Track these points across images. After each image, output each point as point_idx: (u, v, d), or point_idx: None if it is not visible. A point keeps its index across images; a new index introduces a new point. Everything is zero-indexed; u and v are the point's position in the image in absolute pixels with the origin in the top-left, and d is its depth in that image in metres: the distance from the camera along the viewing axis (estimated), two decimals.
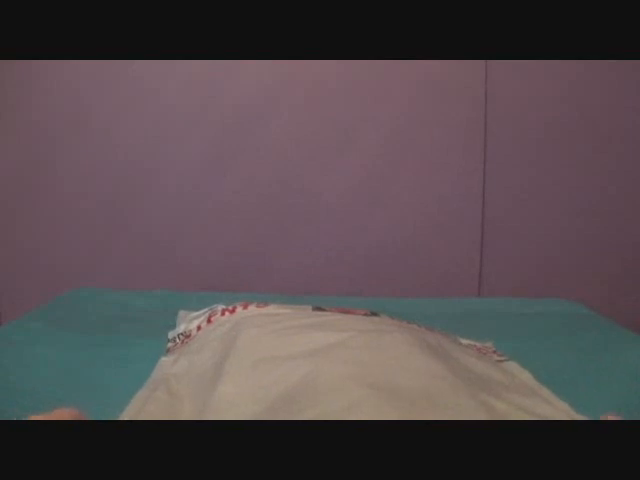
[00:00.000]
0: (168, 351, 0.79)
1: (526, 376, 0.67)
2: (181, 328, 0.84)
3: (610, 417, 0.33)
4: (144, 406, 0.56)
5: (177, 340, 0.81)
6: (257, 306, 0.77)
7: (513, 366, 0.71)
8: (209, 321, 0.78)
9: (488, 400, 0.49)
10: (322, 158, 1.44)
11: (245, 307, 0.77)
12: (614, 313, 1.22)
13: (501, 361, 0.73)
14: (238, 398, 0.49)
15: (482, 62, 1.39)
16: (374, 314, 0.77)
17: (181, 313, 0.92)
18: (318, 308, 0.78)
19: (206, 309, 0.84)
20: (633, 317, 1.38)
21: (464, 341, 0.79)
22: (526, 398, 0.55)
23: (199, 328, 0.79)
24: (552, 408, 0.55)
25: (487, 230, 1.46)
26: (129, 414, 0.55)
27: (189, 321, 0.84)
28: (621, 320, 1.08)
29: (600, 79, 1.41)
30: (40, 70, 1.43)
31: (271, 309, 0.76)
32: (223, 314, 0.78)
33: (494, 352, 0.77)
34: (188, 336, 0.79)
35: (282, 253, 1.47)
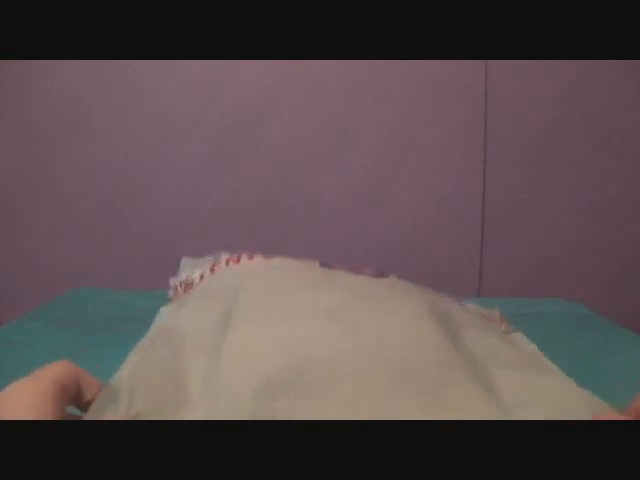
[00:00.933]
0: (169, 300, 0.77)
1: (532, 348, 0.67)
2: (183, 276, 0.82)
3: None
4: (144, 359, 0.53)
5: (179, 289, 0.79)
6: (263, 257, 0.75)
7: (520, 337, 0.70)
8: (212, 270, 0.76)
9: (492, 380, 0.49)
10: (322, 158, 1.44)
11: (250, 257, 0.75)
12: (614, 313, 1.22)
13: (508, 332, 0.72)
14: (246, 358, 0.47)
15: (482, 62, 1.40)
16: (381, 275, 0.75)
17: (183, 261, 0.90)
18: (325, 264, 0.76)
19: (209, 257, 0.82)
20: (633, 317, 1.38)
21: (471, 306, 0.77)
22: (532, 377, 0.54)
23: (202, 277, 0.77)
24: (558, 385, 0.54)
25: (487, 230, 1.46)
26: (126, 370, 0.52)
27: (191, 269, 0.82)
28: (621, 320, 1.08)
29: (600, 79, 1.41)
30: (40, 70, 1.43)
31: (277, 261, 0.74)
32: (227, 264, 0.76)
33: (501, 321, 0.76)
34: (190, 284, 0.78)
35: (282, 253, 1.47)
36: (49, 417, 0.28)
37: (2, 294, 1.50)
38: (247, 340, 0.49)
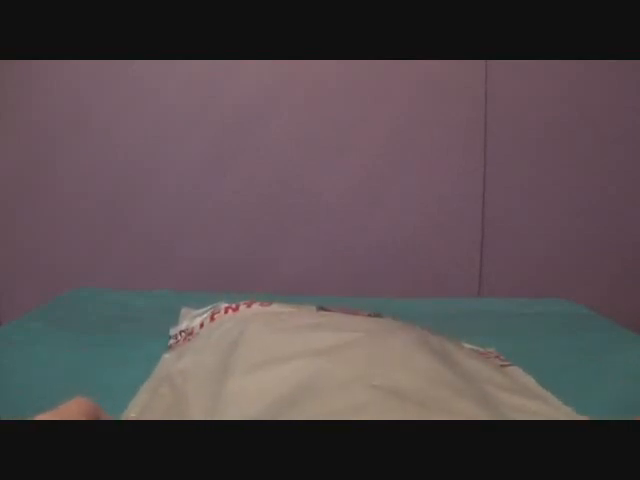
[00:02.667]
0: (170, 348, 0.79)
1: (528, 380, 0.68)
2: (183, 325, 0.84)
3: None
4: (149, 403, 0.56)
5: (179, 337, 0.81)
6: (261, 305, 0.77)
7: (516, 370, 0.71)
8: (212, 319, 0.78)
9: (490, 403, 0.49)
10: (322, 158, 1.44)
11: (249, 306, 0.77)
12: (614, 313, 1.22)
13: (504, 366, 0.73)
14: (244, 398, 0.49)
15: (482, 62, 1.40)
16: (377, 315, 0.77)
17: (183, 310, 0.92)
18: (322, 308, 0.78)
19: (209, 307, 0.83)
20: (633, 317, 1.38)
21: (467, 345, 0.79)
22: (529, 401, 0.55)
23: (202, 325, 0.79)
24: (555, 411, 0.55)
25: (487, 230, 1.46)
26: (133, 411, 0.55)
27: (191, 319, 0.83)
28: (621, 320, 1.08)
29: (600, 79, 1.41)
30: (40, 70, 1.43)
31: (275, 308, 0.75)
32: (226, 312, 0.77)
33: (497, 357, 0.77)
34: (190, 333, 0.79)
35: (282, 253, 1.47)
36: None
37: (2, 294, 1.50)
38: (245, 382, 0.51)
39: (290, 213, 1.46)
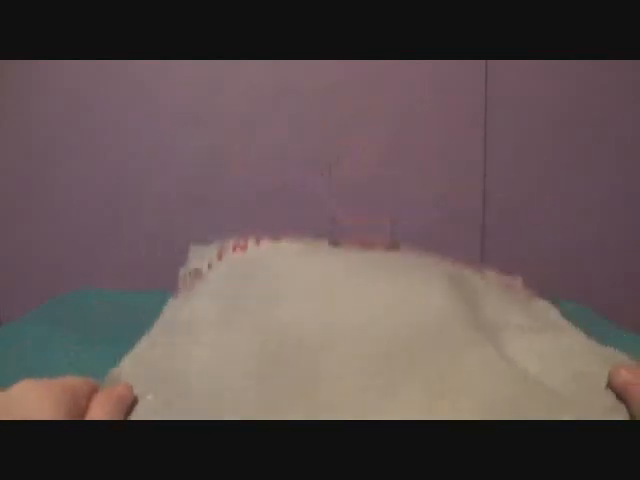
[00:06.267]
0: (178, 292, 0.77)
1: (554, 313, 0.66)
2: (191, 266, 0.82)
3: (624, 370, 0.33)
4: (145, 354, 0.54)
5: (187, 278, 0.79)
6: (271, 240, 0.75)
7: (542, 303, 0.70)
8: (219, 257, 0.76)
9: (498, 341, 0.49)
10: (322, 158, 1.44)
11: (257, 242, 0.75)
12: (614, 313, 1.22)
13: (530, 298, 0.71)
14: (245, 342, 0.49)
15: (482, 62, 1.40)
16: (395, 245, 0.76)
17: (192, 248, 0.90)
18: (335, 243, 0.76)
19: (217, 243, 0.82)
20: (633, 317, 1.37)
21: (489, 273, 0.77)
22: (547, 335, 0.54)
23: (210, 266, 0.77)
24: (571, 339, 0.54)
25: (487, 230, 1.46)
26: (127, 361, 0.53)
27: (200, 257, 0.82)
28: (621, 320, 1.08)
29: (600, 79, 1.41)
30: (40, 70, 1.43)
31: (284, 244, 0.74)
32: (234, 250, 0.76)
33: (523, 287, 0.76)
34: (199, 274, 0.78)
35: None
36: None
37: (2, 294, 1.50)
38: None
39: (290, 213, 1.46)
